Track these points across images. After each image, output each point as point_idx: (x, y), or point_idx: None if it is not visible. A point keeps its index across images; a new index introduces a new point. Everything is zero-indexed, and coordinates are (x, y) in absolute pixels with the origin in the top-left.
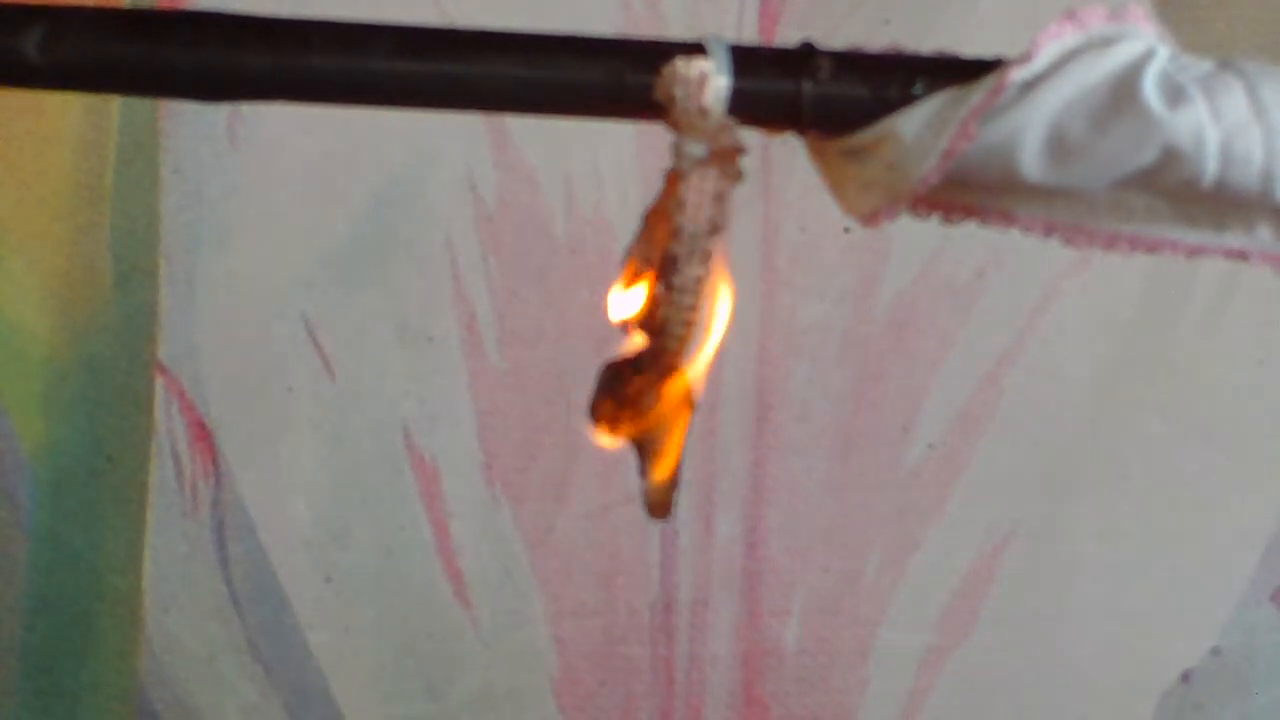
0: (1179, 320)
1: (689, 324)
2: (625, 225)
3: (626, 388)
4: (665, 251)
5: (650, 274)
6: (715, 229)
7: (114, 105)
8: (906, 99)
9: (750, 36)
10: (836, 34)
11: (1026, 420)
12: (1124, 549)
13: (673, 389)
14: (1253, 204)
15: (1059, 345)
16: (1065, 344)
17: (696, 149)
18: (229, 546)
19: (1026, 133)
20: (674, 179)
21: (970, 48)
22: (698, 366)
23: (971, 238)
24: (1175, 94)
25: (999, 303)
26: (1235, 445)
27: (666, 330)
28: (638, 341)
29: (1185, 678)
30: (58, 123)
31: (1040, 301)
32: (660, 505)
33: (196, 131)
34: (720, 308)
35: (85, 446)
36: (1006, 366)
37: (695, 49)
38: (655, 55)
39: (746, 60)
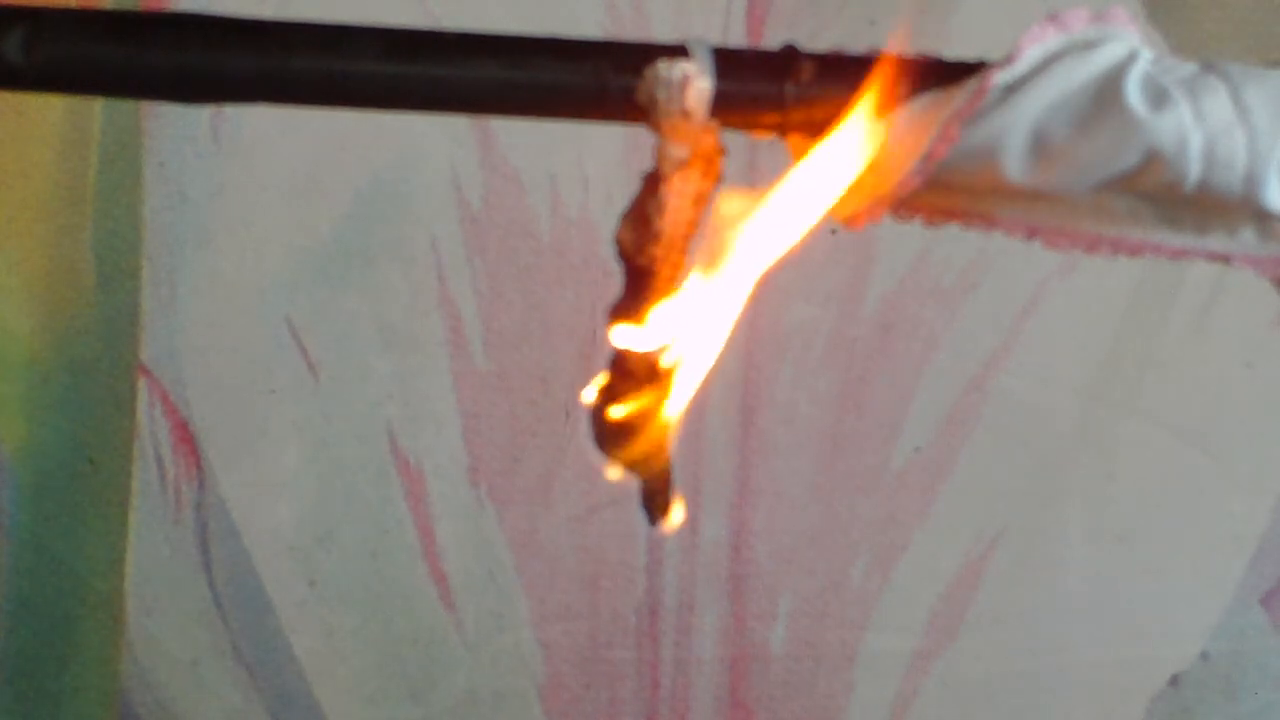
0: (1167, 323)
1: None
2: (610, 227)
3: (623, 400)
4: (644, 254)
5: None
6: (694, 231)
7: (96, 106)
8: None
9: (737, 37)
10: (823, 35)
11: (1013, 423)
12: (1112, 552)
13: (662, 392)
14: (1236, 207)
15: (1046, 348)
16: (1053, 346)
17: (679, 151)
18: (212, 550)
19: (1009, 136)
20: (654, 181)
21: (955, 49)
22: (685, 371)
23: (958, 240)
24: (1158, 96)
25: (986, 305)
26: (1223, 448)
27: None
28: (625, 351)
29: (1174, 682)
30: (40, 123)
31: (1028, 304)
32: (662, 509)
33: (180, 132)
34: (712, 316)
35: (67, 449)
36: (994, 369)
37: (678, 51)
38: (637, 57)
39: (729, 62)
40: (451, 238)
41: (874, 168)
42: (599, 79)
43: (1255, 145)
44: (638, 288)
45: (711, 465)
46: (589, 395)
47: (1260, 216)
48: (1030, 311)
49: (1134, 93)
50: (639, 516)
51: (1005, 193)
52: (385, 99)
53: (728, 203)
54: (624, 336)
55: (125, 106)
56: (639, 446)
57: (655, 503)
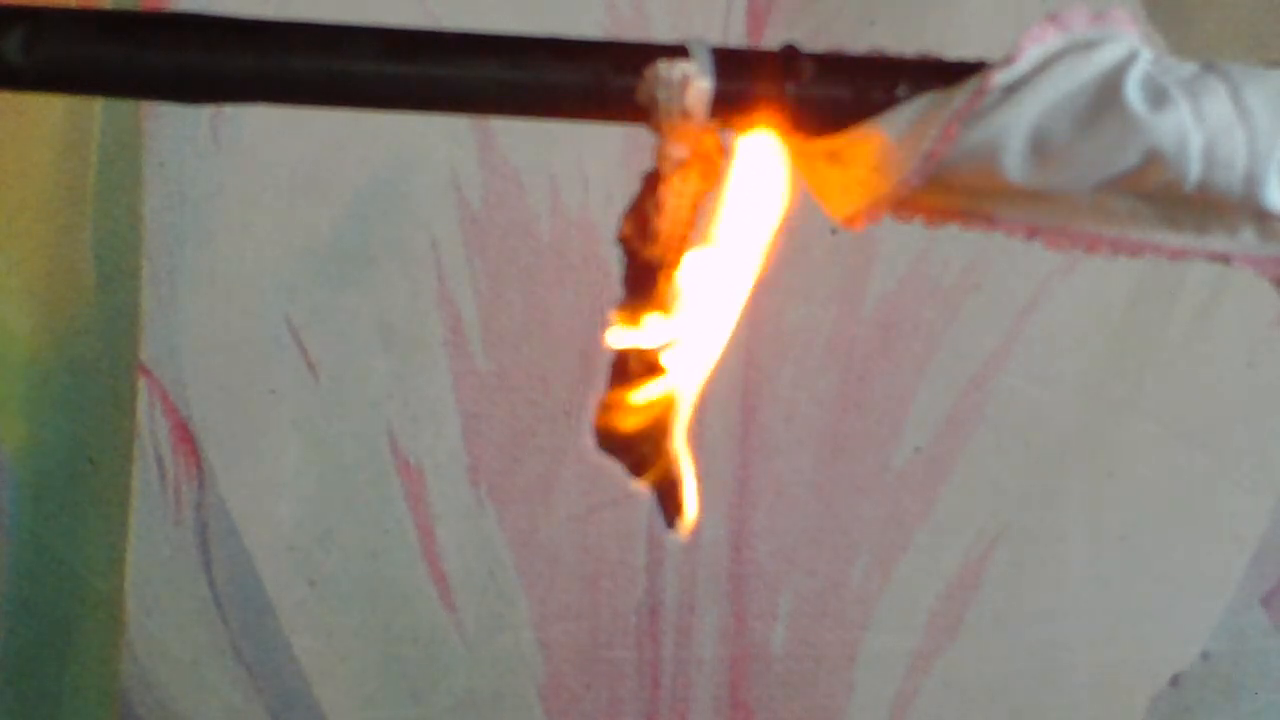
0: (1168, 322)
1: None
2: (610, 227)
3: (625, 403)
4: (644, 253)
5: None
6: (691, 231)
7: (96, 106)
8: (889, 101)
9: (737, 37)
10: (823, 35)
11: (1014, 423)
12: (1112, 552)
13: (663, 391)
14: (1235, 206)
15: (1047, 347)
16: (1053, 346)
17: (679, 151)
18: (212, 549)
19: (1009, 136)
20: (653, 180)
21: (955, 49)
22: (687, 376)
23: (958, 239)
24: (1158, 96)
25: (986, 304)
26: (1224, 448)
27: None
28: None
29: (1175, 682)
30: (40, 123)
31: (1028, 303)
32: (674, 511)
33: (179, 132)
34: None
35: (67, 449)
36: (994, 369)
37: (678, 51)
38: (638, 57)
39: (729, 62)
40: (451, 238)
41: (874, 168)
42: (599, 79)
43: (1255, 145)
44: (639, 288)
45: (712, 464)
46: (593, 401)
47: (1260, 216)
48: (1031, 311)
49: (1134, 93)
50: (639, 516)
51: (1005, 193)
52: (385, 99)
53: (725, 201)
54: (624, 337)
55: (125, 106)
56: (644, 449)
57: (666, 504)
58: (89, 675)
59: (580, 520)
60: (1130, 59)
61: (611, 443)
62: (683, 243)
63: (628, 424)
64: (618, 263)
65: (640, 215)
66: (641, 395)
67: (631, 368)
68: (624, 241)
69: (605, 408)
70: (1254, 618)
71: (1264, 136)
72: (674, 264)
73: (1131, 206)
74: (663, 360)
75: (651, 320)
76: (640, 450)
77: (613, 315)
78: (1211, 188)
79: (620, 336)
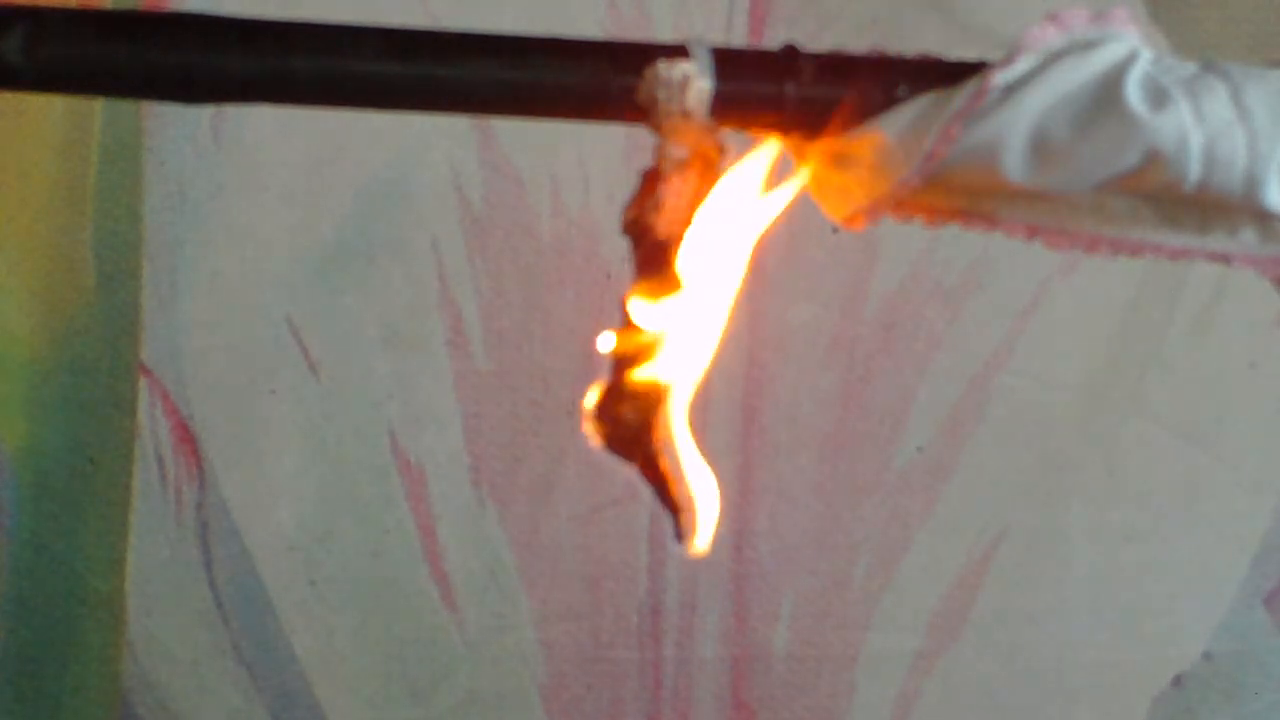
0: (1170, 322)
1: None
2: (611, 227)
3: (619, 393)
4: (642, 253)
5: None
6: (686, 229)
7: (97, 105)
8: (889, 101)
9: (738, 37)
10: (823, 35)
11: (1016, 423)
12: (1114, 552)
13: (657, 392)
14: (1236, 207)
15: (1049, 347)
16: (1055, 346)
17: (679, 151)
18: (213, 550)
19: (1009, 136)
20: (653, 180)
21: (955, 49)
22: (683, 378)
23: (960, 239)
24: (1158, 96)
25: (988, 304)
26: (1226, 448)
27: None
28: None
29: (1177, 682)
30: (40, 123)
31: (1030, 303)
32: (685, 529)
33: (180, 132)
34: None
35: (67, 449)
36: (996, 369)
37: (678, 51)
38: (637, 57)
39: (729, 63)
40: (452, 237)
41: (874, 168)
42: (599, 79)
43: (1255, 145)
44: (648, 270)
45: (713, 465)
46: (588, 399)
47: (1260, 216)
48: (1032, 311)
49: (1134, 93)
50: (641, 516)
51: (1006, 193)
52: (385, 99)
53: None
54: (621, 327)
55: (125, 106)
56: (637, 447)
57: (667, 505)
58: (89, 675)
59: (582, 520)
60: (1130, 59)
61: (608, 434)
62: (679, 242)
63: (624, 415)
64: (625, 254)
65: (641, 210)
66: (638, 385)
67: (629, 357)
68: (629, 226)
69: (602, 397)
70: (1256, 618)
71: (1264, 137)
72: (670, 263)
73: (1131, 206)
74: (661, 350)
75: (659, 306)
76: (636, 441)
77: (626, 298)
78: (1211, 188)
79: (618, 326)
